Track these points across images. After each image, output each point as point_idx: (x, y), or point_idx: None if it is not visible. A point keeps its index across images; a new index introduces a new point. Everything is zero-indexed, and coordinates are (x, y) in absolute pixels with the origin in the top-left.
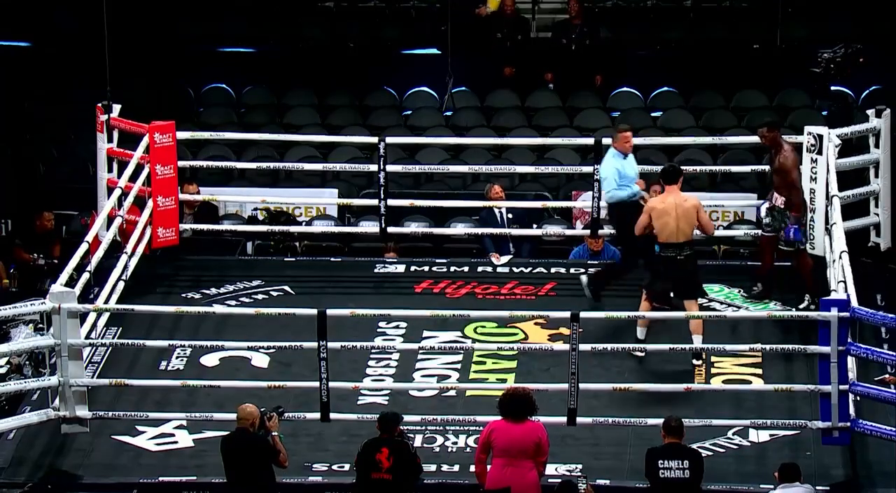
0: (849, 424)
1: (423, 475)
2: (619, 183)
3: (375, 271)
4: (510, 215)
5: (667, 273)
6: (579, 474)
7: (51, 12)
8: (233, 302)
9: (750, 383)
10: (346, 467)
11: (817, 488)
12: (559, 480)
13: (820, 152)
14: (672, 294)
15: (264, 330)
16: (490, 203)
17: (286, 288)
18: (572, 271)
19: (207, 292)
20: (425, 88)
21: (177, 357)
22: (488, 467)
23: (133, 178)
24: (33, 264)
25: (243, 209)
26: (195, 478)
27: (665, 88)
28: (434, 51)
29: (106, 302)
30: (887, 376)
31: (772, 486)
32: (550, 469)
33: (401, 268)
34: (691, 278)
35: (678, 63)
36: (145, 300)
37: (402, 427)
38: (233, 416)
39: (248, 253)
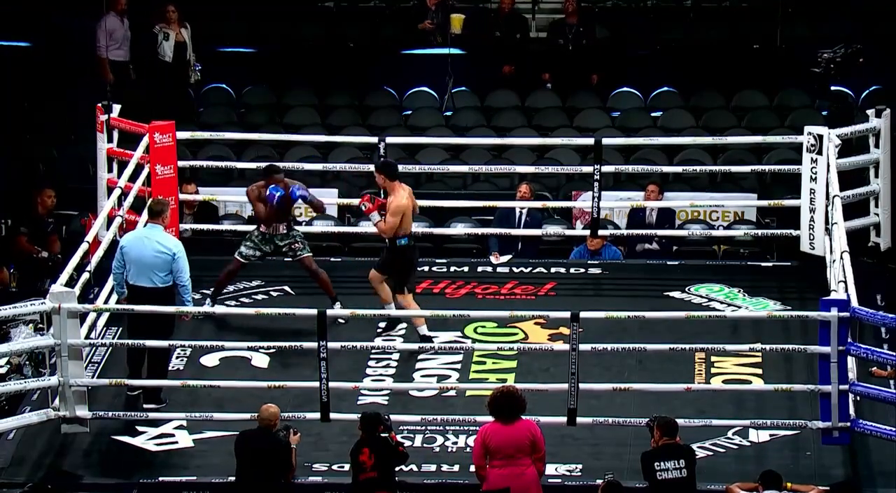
0: (849, 424)
1: (422, 475)
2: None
3: None
4: (528, 218)
5: (409, 260)
6: (611, 475)
7: (51, 12)
8: (233, 302)
9: (750, 383)
10: (346, 467)
11: (820, 487)
12: (558, 480)
13: (820, 152)
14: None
15: (264, 330)
16: (512, 204)
17: (286, 288)
18: (572, 270)
19: (207, 292)
20: (425, 88)
21: (177, 357)
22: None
23: (133, 178)
24: (37, 257)
25: (243, 209)
26: (195, 478)
27: (665, 88)
28: (434, 51)
29: (106, 302)
30: (875, 369)
31: None
32: (550, 469)
33: None
34: None
35: (678, 63)
36: None
37: (388, 423)
38: (233, 416)
39: None
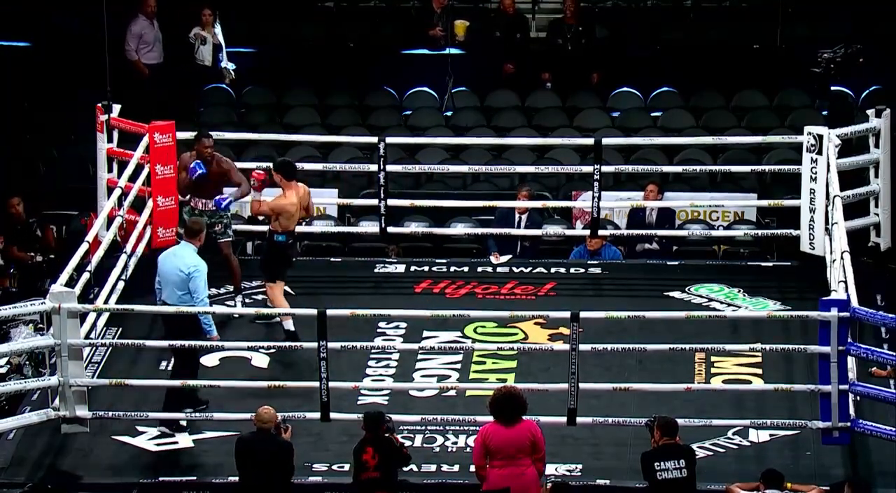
0: (849, 424)
1: (422, 475)
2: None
3: (375, 271)
4: (528, 219)
5: (287, 257)
6: (556, 478)
7: (51, 12)
8: (233, 302)
9: (750, 383)
10: (346, 467)
11: (820, 487)
12: (558, 481)
13: (820, 152)
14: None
15: (264, 330)
16: (515, 204)
17: (286, 288)
18: (572, 270)
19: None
20: (425, 88)
21: None
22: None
23: (133, 178)
24: (31, 263)
25: (243, 209)
26: (195, 478)
27: (665, 88)
28: (434, 51)
29: (106, 302)
30: (875, 369)
31: None
32: (550, 469)
33: (401, 268)
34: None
35: (678, 63)
36: (145, 300)
37: (390, 424)
38: (233, 416)
39: (248, 253)
